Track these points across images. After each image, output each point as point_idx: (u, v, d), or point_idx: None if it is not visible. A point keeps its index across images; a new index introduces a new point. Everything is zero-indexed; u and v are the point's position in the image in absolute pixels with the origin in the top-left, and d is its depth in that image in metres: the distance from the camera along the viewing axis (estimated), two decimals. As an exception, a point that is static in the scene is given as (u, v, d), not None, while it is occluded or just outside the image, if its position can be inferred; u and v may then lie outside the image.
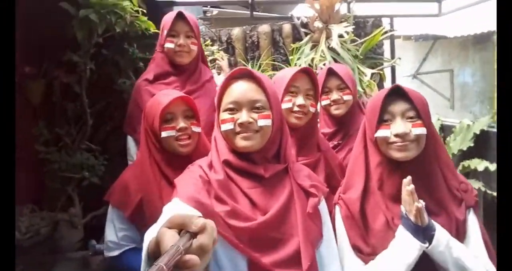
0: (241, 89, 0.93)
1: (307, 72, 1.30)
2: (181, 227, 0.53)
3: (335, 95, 1.48)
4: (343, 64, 2.51)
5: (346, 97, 1.47)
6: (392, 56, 3.51)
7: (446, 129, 3.14)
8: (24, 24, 2.59)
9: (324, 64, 2.86)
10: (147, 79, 1.58)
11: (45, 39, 2.33)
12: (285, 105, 1.26)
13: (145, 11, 1.93)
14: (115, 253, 1.22)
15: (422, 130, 0.99)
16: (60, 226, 2.21)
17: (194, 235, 0.53)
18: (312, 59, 2.88)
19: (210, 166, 0.95)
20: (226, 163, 0.92)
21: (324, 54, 2.89)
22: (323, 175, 1.27)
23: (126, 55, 2.53)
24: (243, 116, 0.91)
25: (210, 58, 2.73)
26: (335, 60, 2.86)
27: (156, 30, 2.10)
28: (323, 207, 1.00)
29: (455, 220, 1.00)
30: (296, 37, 3.10)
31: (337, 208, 1.10)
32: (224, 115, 0.94)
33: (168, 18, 1.57)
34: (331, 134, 1.51)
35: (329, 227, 1.02)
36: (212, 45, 2.79)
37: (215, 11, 3.02)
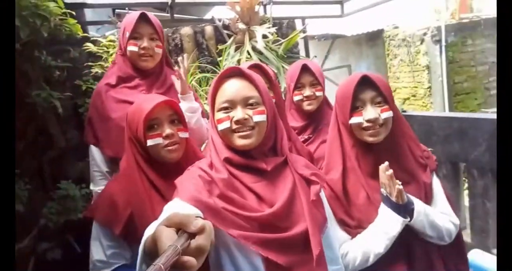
0: (234, 88, 0.94)
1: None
2: (179, 227, 0.53)
3: (308, 91, 1.54)
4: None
5: (318, 94, 1.55)
6: (307, 55, 3.77)
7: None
8: None
9: (250, 65, 2.95)
10: (109, 83, 1.45)
11: None
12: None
13: (73, 13, 1.74)
14: None
15: (389, 114, 1.13)
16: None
17: (192, 235, 0.53)
18: (239, 61, 2.94)
19: (211, 166, 0.94)
20: (227, 161, 0.93)
21: (249, 55, 2.98)
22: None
23: (36, 64, 2.24)
24: (239, 113, 0.92)
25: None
26: (261, 61, 2.97)
27: (86, 34, 1.91)
28: (322, 193, 1.07)
29: (424, 185, 1.17)
30: (219, 39, 3.12)
31: (322, 191, 1.17)
32: (220, 114, 0.94)
33: (130, 19, 1.46)
34: (301, 128, 1.58)
35: (330, 212, 1.10)
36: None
37: (131, 13, 2.85)
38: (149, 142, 1.10)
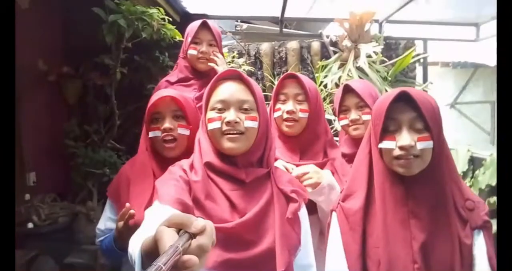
0: (230, 89, 0.94)
1: (295, 77, 1.28)
2: (180, 227, 0.53)
3: (353, 115, 1.34)
4: (364, 80, 2.47)
5: (365, 117, 1.32)
6: (424, 81, 3.43)
7: (477, 162, 2.98)
8: (64, 28, 2.83)
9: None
10: (168, 81, 1.66)
11: (83, 43, 2.53)
12: (276, 114, 1.27)
13: (170, 19, 2.04)
14: (98, 240, 1.24)
15: (428, 145, 0.92)
16: (79, 218, 2.31)
17: (193, 235, 0.52)
18: (339, 78, 2.88)
19: (191, 167, 0.95)
20: (208, 165, 0.93)
21: (351, 73, 2.89)
22: None
23: (157, 63, 2.67)
24: (231, 114, 0.91)
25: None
26: (362, 80, 2.85)
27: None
28: (303, 214, 0.99)
29: (459, 244, 0.92)
30: (325, 55, 3.11)
31: (334, 215, 1.04)
32: (211, 114, 0.94)
33: (193, 26, 1.64)
34: (351, 157, 1.34)
35: (308, 235, 0.99)
36: (239, 58, 2.87)
37: (245, 25, 3.11)
38: (150, 134, 1.16)
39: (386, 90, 2.91)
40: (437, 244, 0.91)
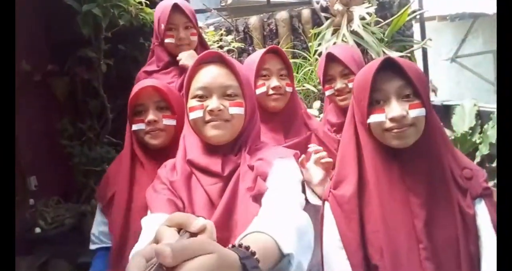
0: (211, 74, 0.86)
1: (276, 52, 1.21)
2: (180, 227, 0.51)
3: (339, 84, 1.27)
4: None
5: (351, 85, 1.20)
6: (423, 38, 3.29)
7: (484, 116, 2.89)
8: (44, 23, 2.70)
9: (346, 49, 2.74)
10: (146, 71, 1.56)
11: (65, 38, 2.41)
12: (259, 91, 1.19)
13: (148, 2, 1.91)
14: (93, 247, 1.19)
15: (421, 112, 0.85)
16: (87, 218, 2.29)
17: (194, 234, 0.50)
18: (334, 44, 2.76)
19: (173, 166, 0.91)
20: (190, 162, 0.88)
21: (346, 38, 2.76)
22: None
23: (143, 50, 2.55)
24: (213, 102, 0.84)
25: (226, 48, 2.70)
26: (358, 45, 2.72)
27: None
28: (276, 169, 0.86)
29: (461, 214, 0.86)
30: (317, 23, 2.98)
31: (327, 205, 0.96)
32: (193, 102, 0.87)
33: (164, 11, 1.47)
34: (339, 126, 1.28)
35: (277, 179, 0.85)
36: (227, 35, 2.75)
37: (230, 0, 2.96)
38: (134, 127, 1.11)
39: (384, 52, 2.79)
40: (439, 219, 0.85)
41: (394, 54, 2.73)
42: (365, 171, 0.91)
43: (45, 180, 2.43)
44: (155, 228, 0.53)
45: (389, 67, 0.86)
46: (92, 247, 1.19)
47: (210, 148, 0.88)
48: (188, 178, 0.86)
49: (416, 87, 0.85)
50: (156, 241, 0.49)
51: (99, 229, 1.18)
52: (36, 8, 2.64)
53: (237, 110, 0.86)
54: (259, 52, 1.21)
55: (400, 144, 0.86)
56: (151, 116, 1.10)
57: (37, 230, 2.06)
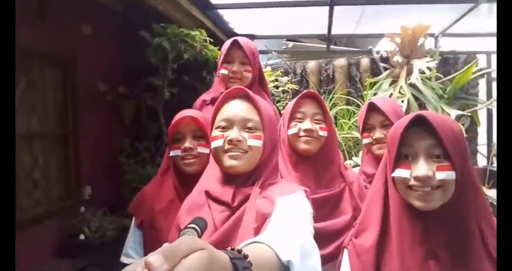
0: (235, 108, 0.92)
1: (314, 97, 1.23)
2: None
3: (378, 134, 1.29)
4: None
5: None
6: (488, 98, 3.14)
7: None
8: (122, 51, 3.04)
9: (402, 101, 2.71)
10: (204, 100, 1.67)
11: (138, 65, 2.70)
12: (291, 131, 1.21)
13: (212, 40, 2.09)
14: (126, 261, 1.22)
15: (449, 175, 0.80)
16: (128, 232, 2.42)
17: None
18: (390, 95, 2.74)
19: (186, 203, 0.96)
20: (206, 193, 0.92)
21: (403, 90, 2.74)
22: (350, 209, 1.16)
23: (204, 82, 2.75)
24: (233, 133, 0.89)
25: (281, 88, 2.81)
26: (416, 99, 2.68)
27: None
28: (279, 207, 0.85)
29: None
30: (375, 72, 3.00)
31: (346, 252, 0.95)
32: (215, 132, 0.92)
33: (225, 46, 1.62)
34: (374, 176, 1.31)
35: (284, 211, 0.84)
36: (283, 76, 2.86)
37: (291, 44, 3.11)
38: (171, 153, 1.18)
39: (442, 108, 2.71)
40: None
41: (453, 112, 2.64)
42: (389, 225, 0.89)
43: (98, 192, 2.63)
44: None
45: (423, 125, 0.84)
46: (126, 261, 1.23)
47: (227, 179, 0.92)
48: (198, 209, 0.90)
49: (447, 148, 0.81)
50: None
51: (135, 243, 1.22)
52: (116, 37, 3.01)
53: (255, 143, 0.89)
54: (297, 97, 1.25)
55: (423, 206, 0.82)
56: (187, 144, 1.17)
57: (82, 236, 2.21)
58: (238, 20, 2.90)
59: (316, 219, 1.11)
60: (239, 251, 0.51)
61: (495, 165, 3.30)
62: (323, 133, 1.20)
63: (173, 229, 0.95)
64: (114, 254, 2.26)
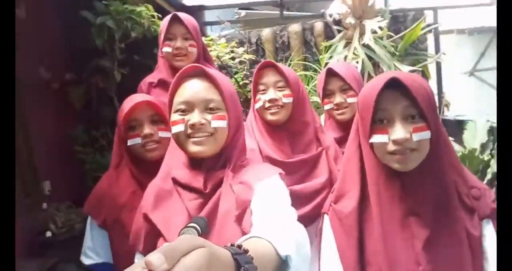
0: (193, 88, 0.86)
1: (272, 66, 1.22)
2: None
3: (338, 98, 1.31)
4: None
5: (350, 100, 1.30)
6: (437, 52, 3.26)
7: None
8: (62, 33, 2.81)
9: (357, 62, 2.74)
10: (151, 82, 1.56)
11: (82, 47, 2.51)
12: (257, 105, 1.21)
13: (160, 15, 1.98)
14: (87, 262, 1.19)
15: (425, 135, 0.81)
16: (96, 223, 2.34)
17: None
18: (345, 58, 2.77)
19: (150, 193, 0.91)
20: (174, 180, 0.88)
21: (357, 51, 2.77)
22: (326, 172, 1.18)
23: (157, 60, 2.62)
24: (195, 116, 0.84)
25: (238, 60, 2.74)
26: (369, 58, 2.72)
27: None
28: (258, 193, 0.84)
29: (467, 237, 0.83)
30: (329, 36, 3.00)
31: (326, 218, 0.95)
32: (175, 116, 0.87)
33: (164, 22, 1.53)
34: (338, 141, 1.32)
35: (266, 199, 0.83)
36: (239, 47, 2.79)
37: (244, 12, 3.02)
38: (129, 142, 1.12)
39: (395, 66, 2.78)
40: (442, 239, 0.83)
41: (405, 68, 2.71)
42: (367, 188, 0.89)
43: (58, 185, 2.50)
44: None
45: (395, 86, 0.83)
46: (85, 261, 1.19)
47: (194, 163, 0.88)
48: (165, 197, 0.87)
49: (422, 109, 0.81)
50: None
51: (94, 243, 1.17)
52: (55, 19, 2.77)
53: (219, 124, 0.85)
54: (255, 70, 1.23)
55: (401, 167, 0.84)
56: (147, 130, 1.11)
57: (48, 234, 2.11)
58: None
59: (293, 181, 1.14)
60: (239, 246, 0.51)
61: (446, 114, 3.50)
62: (287, 100, 1.19)
63: (138, 219, 0.91)
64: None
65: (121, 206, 1.13)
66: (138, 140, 1.12)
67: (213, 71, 0.89)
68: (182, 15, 1.50)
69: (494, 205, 0.86)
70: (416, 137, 0.81)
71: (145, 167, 1.14)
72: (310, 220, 1.09)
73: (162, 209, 0.86)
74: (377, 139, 0.84)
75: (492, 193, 0.89)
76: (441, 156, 0.86)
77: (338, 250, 0.90)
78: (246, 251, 0.50)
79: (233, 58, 2.71)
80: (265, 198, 0.82)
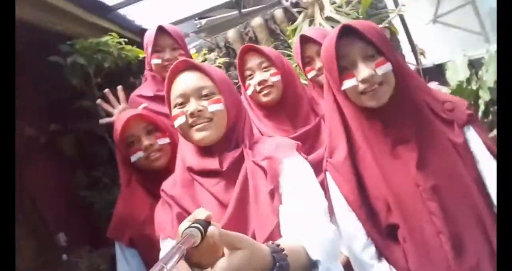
0: (185, 80, 0.89)
1: (251, 49, 1.25)
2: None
3: (319, 63, 1.30)
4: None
5: None
6: (396, 6, 3.31)
7: (477, 64, 2.87)
8: (38, 85, 2.80)
9: (326, 37, 2.77)
10: (142, 95, 1.54)
11: (60, 95, 2.50)
12: (249, 91, 1.23)
13: (127, 40, 1.97)
14: None
15: (387, 67, 0.89)
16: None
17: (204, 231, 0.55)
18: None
19: (174, 182, 0.93)
20: (190, 170, 0.89)
21: (323, 26, 2.80)
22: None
23: (135, 88, 2.62)
24: (192, 105, 0.87)
25: (213, 66, 2.76)
26: (336, 29, 2.76)
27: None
28: (285, 172, 0.87)
29: (453, 146, 0.91)
30: (292, 19, 3.02)
31: (328, 175, 1.01)
32: (175, 111, 0.90)
33: (149, 35, 1.52)
34: None
35: (294, 186, 0.85)
36: (210, 53, 2.81)
37: (204, 20, 3.04)
38: (132, 158, 1.13)
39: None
40: (431, 156, 0.90)
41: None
42: (352, 134, 0.97)
43: (73, 233, 2.47)
44: None
45: (349, 33, 0.90)
46: None
47: (205, 150, 0.89)
48: (189, 186, 0.88)
49: (378, 46, 0.89)
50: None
51: (130, 264, 1.16)
52: (23, 74, 2.75)
53: (216, 107, 0.87)
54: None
55: (375, 103, 0.91)
56: (146, 142, 1.13)
57: (75, 281, 2.09)
58: (141, 16, 2.77)
59: (303, 152, 1.16)
60: (278, 245, 0.61)
61: (424, 62, 3.56)
62: (275, 78, 1.21)
63: (158, 213, 0.92)
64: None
65: (143, 222, 1.14)
66: (140, 154, 1.13)
67: (200, 63, 0.93)
68: (167, 26, 1.50)
69: (468, 111, 0.95)
70: (379, 70, 0.89)
71: (155, 177, 1.13)
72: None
73: (190, 197, 0.87)
74: (347, 84, 0.92)
75: (464, 102, 0.98)
76: (407, 83, 0.94)
77: (344, 197, 0.96)
78: (282, 250, 0.60)
79: (208, 66, 2.73)
80: (298, 183, 0.85)
